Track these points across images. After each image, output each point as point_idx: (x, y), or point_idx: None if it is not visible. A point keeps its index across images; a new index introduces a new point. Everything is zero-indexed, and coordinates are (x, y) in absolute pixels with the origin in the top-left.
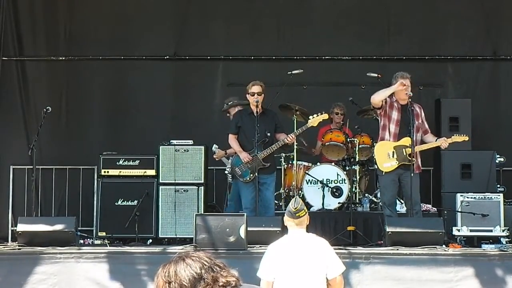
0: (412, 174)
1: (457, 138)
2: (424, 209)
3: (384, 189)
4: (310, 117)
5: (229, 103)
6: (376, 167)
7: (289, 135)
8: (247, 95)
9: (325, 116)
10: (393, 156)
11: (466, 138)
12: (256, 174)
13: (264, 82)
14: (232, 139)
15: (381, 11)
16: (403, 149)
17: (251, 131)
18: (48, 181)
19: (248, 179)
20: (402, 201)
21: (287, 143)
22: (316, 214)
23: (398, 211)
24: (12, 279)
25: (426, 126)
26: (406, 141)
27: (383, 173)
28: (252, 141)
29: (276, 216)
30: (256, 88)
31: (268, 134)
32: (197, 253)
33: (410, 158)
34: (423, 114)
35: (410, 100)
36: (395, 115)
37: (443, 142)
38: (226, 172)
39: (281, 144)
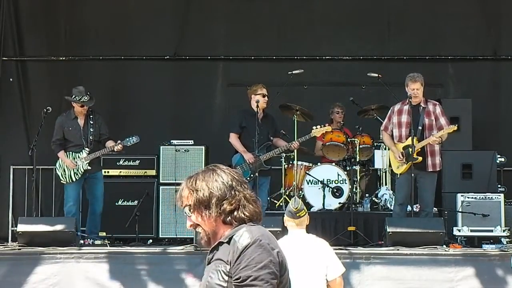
0: (412, 174)
1: (447, 130)
2: None
3: (399, 187)
4: (314, 127)
5: (77, 98)
6: (392, 170)
7: (293, 142)
8: (255, 96)
9: (329, 128)
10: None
11: (455, 128)
12: (257, 175)
13: (265, 82)
14: (235, 138)
15: (381, 11)
16: (409, 149)
17: (255, 132)
18: (48, 181)
19: (248, 179)
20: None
21: (291, 149)
22: (317, 214)
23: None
24: (12, 279)
25: (442, 122)
26: (411, 140)
27: (398, 175)
28: (255, 142)
29: (275, 216)
30: (266, 91)
31: (271, 137)
32: (223, 166)
33: (415, 157)
34: (437, 110)
35: (424, 98)
36: (404, 118)
37: (431, 139)
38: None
39: (284, 150)
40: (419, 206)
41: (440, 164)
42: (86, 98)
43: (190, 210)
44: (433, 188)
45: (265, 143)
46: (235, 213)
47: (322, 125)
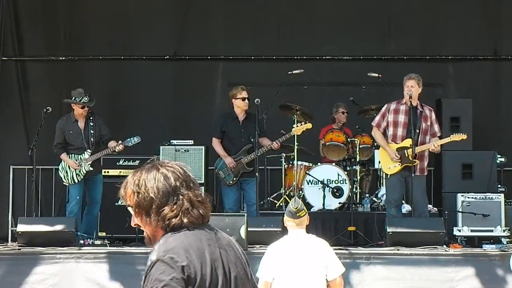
0: (413, 175)
1: (456, 137)
2: None
3: (391, 189)
4: (294, 125)
5: (77, 99)
6: (381, 169)
7: (274, 142)
8: (235, 100)
9: (309, 125)
10: None
11: (465, 137)
12: (253, 176)
13: (265, 82)
14: (216, 143)
15: (381, 11)
16: (405, 151)
17: (236, 136)
18: (48, 181)
19: (231, 182)
20: (403, 203)
21: (273, 149)
22: (317, 214)
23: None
24: (12, 279)
25: (435, 129)
26: (408, 142)
27: (389, 176)
28: (237, 145)
29: (275, 216)
30: (246, 93)
31: (252, 139)
32: (171, 163)
33: (411, 160)
34: (433, 116)
35: (419, 101)
36: (401, 118)
37: (431, 146)
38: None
39: (265, 150)
40: (409, 207)
41: (426, 169)
42: (86, 99)
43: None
44: (424, 189)
45: (246, 146)
46: (174, 220)
47: (302, 123)
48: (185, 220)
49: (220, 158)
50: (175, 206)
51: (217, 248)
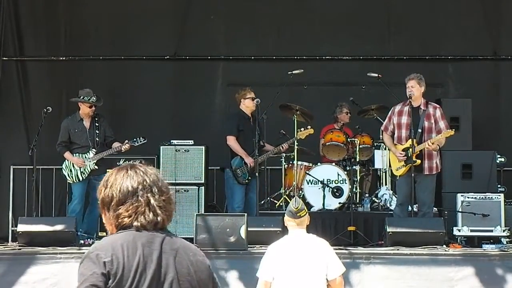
0: (412, 175)
1: (445, 134)
2: None
3: (398, 189)
4: (298, 130)
5: (86, 98)
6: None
7: (283, 145)
8: (244, 100)
9: (311, 131)
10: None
11: (452, 132)
12: (257, 174)
13: (265, 82)
14: (234, 141)
15: (381, 11)
16: (408, 151)
17: (250, 135)
18: (48, 181)
19: (246, 181)
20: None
21: (279, 152)
22: (317, 214)
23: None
24: (12, 279)
25: (441, 126)
26: (410, 143)
27: (398, 177)
28: (250, 145)
29: (275, 216)
30: (253, 94)
31: (261, 140)
32: (145, 168)
33: (414, 160)
34: (437, 113)
35: (424, 100)
36: (405, 119)
37: (425, 145)
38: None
39: (275, 152)
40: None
41: (437, 167)
42: (94, 98)
43: None
44: (431, 189)
45: (259, 146)
46: (125, 220)
47: (306, 128)
48: (135, 223)
49: (236, 156)
50: (131, 207)
51: (156, 251)
